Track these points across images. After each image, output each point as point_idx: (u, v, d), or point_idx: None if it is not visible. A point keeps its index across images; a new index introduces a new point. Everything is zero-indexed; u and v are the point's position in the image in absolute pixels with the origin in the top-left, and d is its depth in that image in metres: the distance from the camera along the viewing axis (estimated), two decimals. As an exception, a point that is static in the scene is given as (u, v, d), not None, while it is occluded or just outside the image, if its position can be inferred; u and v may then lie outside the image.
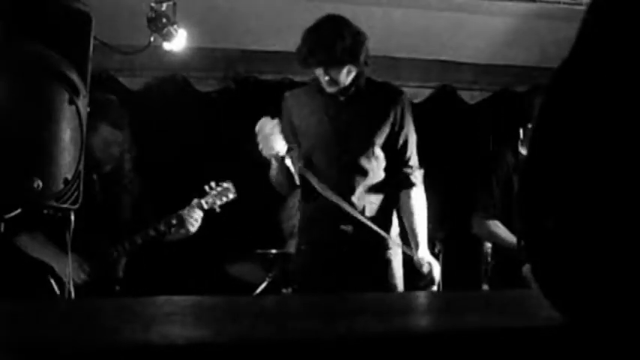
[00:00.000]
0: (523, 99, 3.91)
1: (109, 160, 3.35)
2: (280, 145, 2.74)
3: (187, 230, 3.37)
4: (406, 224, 2.96)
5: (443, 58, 4.63)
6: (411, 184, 2.95)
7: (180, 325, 1.01)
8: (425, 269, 2.87)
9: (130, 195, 3.44)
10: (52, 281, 3.18)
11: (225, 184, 3.49)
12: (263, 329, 0.97)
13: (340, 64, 2.82)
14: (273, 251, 3.88)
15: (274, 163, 2.84)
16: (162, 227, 3.34)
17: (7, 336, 0.87)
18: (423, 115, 4.90)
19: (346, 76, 2.85)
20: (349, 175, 2.88)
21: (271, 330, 0.96)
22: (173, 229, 3.36)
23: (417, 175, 2.97)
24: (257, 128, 2.74)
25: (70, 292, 2.90)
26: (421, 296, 2.18)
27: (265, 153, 2.77)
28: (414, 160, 2.97)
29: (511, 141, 3.60)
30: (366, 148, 2.90)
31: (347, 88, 2.89)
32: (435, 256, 4.34)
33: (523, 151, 3.51)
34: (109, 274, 3.32)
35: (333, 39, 2.78)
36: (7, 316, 1.08)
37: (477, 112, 4.87)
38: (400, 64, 4.61)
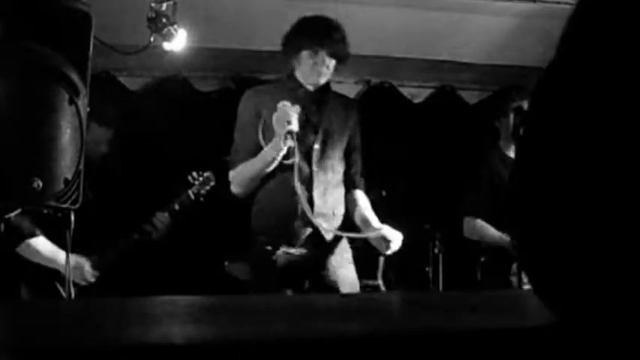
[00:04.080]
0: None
1: (97, 159, 3.34)
2: (296, 125, 2.78)
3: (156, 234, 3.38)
4: (359, 214, 3.03)
5: (443, 58, 4.62)
6: (356, 187, 3.07)
7: (180, 325, 1.01)
8: (385, 232, 2.90)
9: (121, 193, 3.44)
10: (59, 286, 3.16)
11: (206, 174, 3.63)
12: (263, 329, 0.97)
13: (336, 56, 2.86)
14: (273, 251, 3.87)
15: (277, 146, 2.81)
16: (141, 232, 3.34)
17: (7, 336, 0.87)
18: (422, 115, 4.92)
19: (328, 70, 2.91)
20: (321, 175, 2.94)
21: (271, 329, 0.96)
22: (154, 233, 3.37)
23: (362, 181, 3.10)
24: (279, 105, 2.79)
25: (70, 293, 2.89)
26: (419, 296, 2.18)
27: (279, 129, 2.78)
28: (358, 167, 3.09)
29: (496, 140, 3.69)
30: (339, 150, 2.99)
31: (323, 88, 2.93)
32: (435, 256, 4.35)
33: (507, 150, 3.62)
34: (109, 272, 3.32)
35: (341, 30, 2.88)
36: (8, 317, 1.08)
37: (477, 112, 4.86)
38: (400, 64, 4.60)
